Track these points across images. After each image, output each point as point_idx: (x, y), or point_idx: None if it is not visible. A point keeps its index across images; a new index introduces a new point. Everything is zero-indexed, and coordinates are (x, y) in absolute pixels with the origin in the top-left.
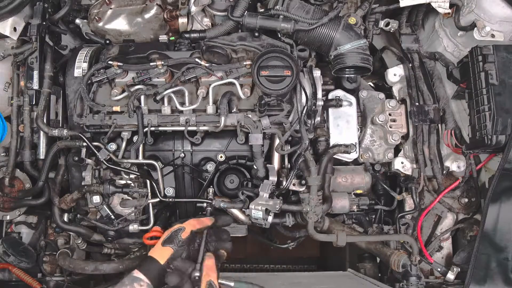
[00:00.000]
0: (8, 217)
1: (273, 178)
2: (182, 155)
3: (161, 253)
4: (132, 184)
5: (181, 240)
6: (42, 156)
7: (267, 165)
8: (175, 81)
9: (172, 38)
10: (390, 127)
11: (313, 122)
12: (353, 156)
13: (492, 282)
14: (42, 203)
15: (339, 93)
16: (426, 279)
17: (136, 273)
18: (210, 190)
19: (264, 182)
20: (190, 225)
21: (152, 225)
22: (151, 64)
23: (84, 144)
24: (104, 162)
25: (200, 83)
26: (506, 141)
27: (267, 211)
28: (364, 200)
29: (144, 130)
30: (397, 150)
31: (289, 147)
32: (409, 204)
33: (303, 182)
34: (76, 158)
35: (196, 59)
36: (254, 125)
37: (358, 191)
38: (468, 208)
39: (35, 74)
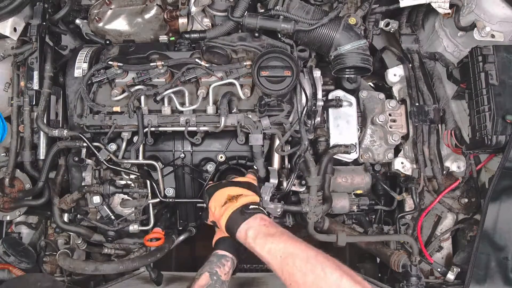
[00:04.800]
0: (8, 217)
1: (274, 181)
2: (182, 155)
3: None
4: (132, 185)
5: None
6: (42, 157)
7: (268, 167)
8: (175, 82)
9: (172, 38)
10: (390, 127)
11: (313, 122)
12: (353, 156)
13: (492, 282)
14: (42, 204)
15: (339, 93)
16: (426, 279)
17: (221, 252)
18: None
19: (265, 185)
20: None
21: (153, 226)
22: (151, 64)
23: (84, 144)
24: (104, 162)
25: (200, 83)
26: (506, 141)
27: (268, 215)
28: (364, 200)
29: (144, 131)
30: (397, 150)
31: (289, 148)
32: (409, 204)
33: (303, 182)
34: (76, 159)
35: (196, 60)
36: (254, 126)
37: (358, 191)
38: (468, 208)
39: (35, 74)
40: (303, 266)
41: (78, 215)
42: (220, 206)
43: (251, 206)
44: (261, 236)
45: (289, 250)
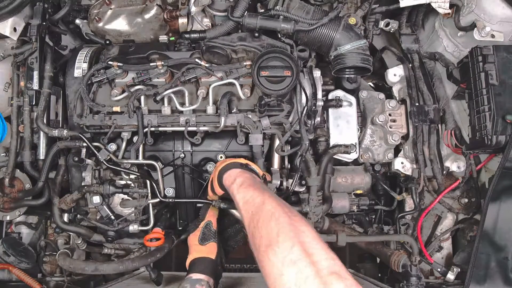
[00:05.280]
0: (8, 218)
1: (276, 182)
2: (182, 155)
3: (209, 250)
4: (132, 185)
5: (214, 231)
6: (42, 157)
7: (271, 168)
8: (175, 82)
9: (172, 38)
10: (390, 127)
11: (313, 122)
12: (353, 156)
13: (492, 282)
14: (42, 204)
15: (339, 93)
16: (426, 279)
17: (195, 275)
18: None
19: (268, 186)
20: (212, 216)
21: (153, 226)
22: (151, 64)
23: (84, 144)
24: (104, 162)
25: (200, 83)
26: (506, 141)
27: None
28: (364, 200)
29: (144, 131)
30: (397, 150)
31: (289, 148)
32: (409, 204)
33: (303, 182)
34: (76, 159)
35: (196, 60)
36: (254, 126)
37: (358, 191)
38: (468, 208)
39: (35, 74)
40: (262, 229)
41: (78, 215)
42: (227, 161)
43: (253, 168)
44: (245, 186)
45: (259, 207)
